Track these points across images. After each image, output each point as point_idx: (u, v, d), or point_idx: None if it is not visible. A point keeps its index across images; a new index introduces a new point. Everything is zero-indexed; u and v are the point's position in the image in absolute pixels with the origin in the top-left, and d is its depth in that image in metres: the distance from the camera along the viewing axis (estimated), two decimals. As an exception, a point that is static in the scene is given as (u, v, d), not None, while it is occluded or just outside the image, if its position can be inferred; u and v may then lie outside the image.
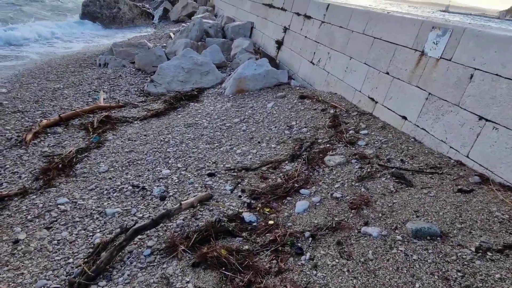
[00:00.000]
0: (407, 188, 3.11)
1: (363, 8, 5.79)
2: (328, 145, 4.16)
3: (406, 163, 3.54)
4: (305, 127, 4.75)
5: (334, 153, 3.94)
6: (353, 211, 2.92)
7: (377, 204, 2.96)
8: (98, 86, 7.08)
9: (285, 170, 3.73)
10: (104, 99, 6.32)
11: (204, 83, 7.11)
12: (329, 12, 6.31)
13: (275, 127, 4.89)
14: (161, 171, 3.82)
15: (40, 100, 6.21)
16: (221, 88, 6.83)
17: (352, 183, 3.35)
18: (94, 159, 4.14)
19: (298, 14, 7.43)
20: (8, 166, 3.97)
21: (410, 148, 3.82)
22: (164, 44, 10.63)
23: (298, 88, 6.39)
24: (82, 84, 7.22)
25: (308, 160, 3.84)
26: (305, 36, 7.01)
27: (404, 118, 4.25)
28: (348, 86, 5.51)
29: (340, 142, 4.17)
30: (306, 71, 6.86)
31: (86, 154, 4.25)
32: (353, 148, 4.00)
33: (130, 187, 3.47)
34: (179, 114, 5.63)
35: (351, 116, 4.87)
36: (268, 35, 8.91)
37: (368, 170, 3.48)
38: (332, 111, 5.07)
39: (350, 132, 4.39)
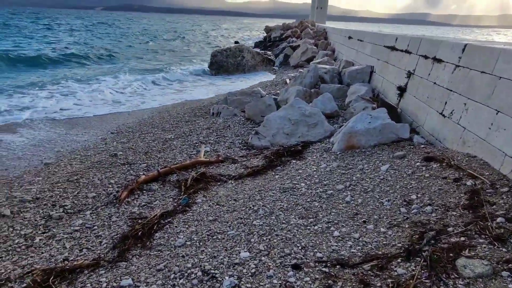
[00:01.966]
0: None
1: (516, 47, 4.44)
2: (463, 238, 2.98)
3: None
4: (429, 204, 3.62)
5: (472, 253, 2.76)
6: None
7: None
8: (205, 137, 7.08)
9: (396, 274, 2.71)
10: (206, 152, 6.20)
11: (311, 136, 6.45)
12: (467, 54, 5.08)
13: (388, 200, 3.87)
14: (239, 252, 3.21)
15: (150, 151, 6.41)
16: (329, 142, 6.07)
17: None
18: (176, 226, 3.79)
19: (425, 57, 6.29)
20: (96, 227, 3.90)
21: None
22: (277, 92, 10.46)
23: (422, 146, 5.20)
24: (191, 134, 7.33)
25: (431, 261, 2.75)
26: (434, 83, 5.83)
27: None
28: (493, 149, 4.16)
29: (483, 236, 2.95)
30: (434, 124, 5.62)
31: (170, 219, 3.95)
32: (504, 249, 2.75)
33: (200, 273, 2.93)
34: (277, 174, 5.04)
35: (499, 193, 3.54)
36: (389, 80, 7.88)
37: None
38: (469, 183, 3.81)
39: (499, 219, 3.11)
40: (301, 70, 12.57)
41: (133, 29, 56.13)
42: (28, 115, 9.53)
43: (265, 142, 6.47)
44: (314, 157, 5.53)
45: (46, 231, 3.85)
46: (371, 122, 5.67)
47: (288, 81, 12.41)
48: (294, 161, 5.47)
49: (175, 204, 4.36)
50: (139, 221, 3.93)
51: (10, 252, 3.47)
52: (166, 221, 3.92)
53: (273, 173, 5.11)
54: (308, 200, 4.13)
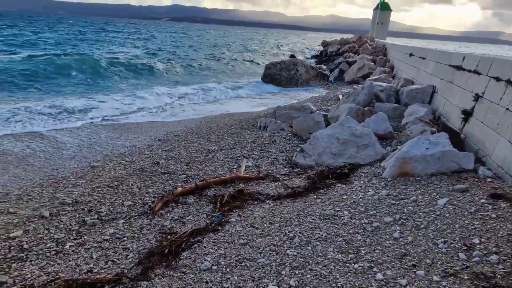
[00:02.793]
0: None
1: None
2: (539, 302, 2.44)
3: None
4: (495, 252, 3.07)
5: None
6: None
7: None
8: (249, 151, 6.88)
9: None
10: (247, 167, 5.99)
11: (360, 158, 5.99)
12: (550, 77, 4.40)
13: (445, 242, 3.35)
14: (267, 285, 2.90)
15: (191, 162, 6.33)
16: (379, 167, 5.57)
17: None
18: (205, 247, 3.57)
19: (497, 79, 5.61)
20: (125, 238, 3.81)
21: None
22: (328, 108, 10.05)
23: (489, 180, 4.55)
24: (235, 147, 7.18)
25: (496, 328, 2.26)
26: (507, 108, 5.14)
27: None
28: None
29: None
30: (504, 155, 4.93)
31: (199, 238, 3.75)
32: None
33: (221, 305, 2.67)
34: (319, 198, 4.67)
35: None
36: (453, 102, 7.18)
37: None
38: (549, 231, 3.19)
39: None
40: (356, 87, 12.04)
41: (201, 40, 58.43)
42: (90, 117, 10.04)
43: (309, 161, 6.12)
44: (362, 182, 5.08)
45: (78, 237, 3.82)
46: (429, 148, 5.11)
47: (340, 97, 11.94)
48: (338, 185, 5.06)
49: (208, 221, 4.16)
50: (169, 236, 3.77)
51: (40, 256, 3.46)
52: (196, 239, 3.72)
53: (315, 196, 4.74)
54: (351, 231, 3.73)
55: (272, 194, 4.89)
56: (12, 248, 3.59)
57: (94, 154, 7.06)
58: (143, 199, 4.81)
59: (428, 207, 4.04)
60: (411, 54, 12.60)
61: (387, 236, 3.57)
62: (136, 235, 3.88)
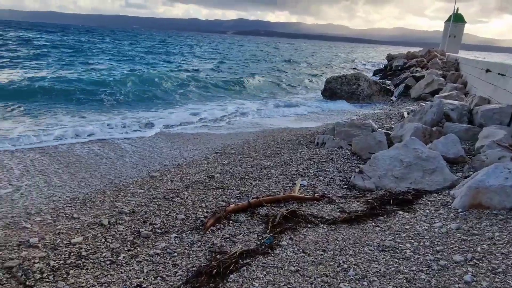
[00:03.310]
0: None
1: None
2: None
3: None
4: None
5: None
6: None
7: None
8: (305, 169, 6.68)
9: None
10: (302, 186, 5.79)
11: (426, 184, 5.51)
12: None
13: (529, 293, 2.88)
14: (316, 322, 2.69)
15: (246, 177, 6.29)
16: (448, 195, 5.07)
17: None
18: (253, 270, 3.44)
19: None
20: (176, 254, 3.81)
21: None
22: (392, 126, 9.51)
23: None
24: (291, 164, 7.02)
25: None
26: None
27: None
28: None
29: None
30: None
31: (249, 260, 3.63)
32: None
33: None
34: (378, 226, 4.33)
35: None
36: (538, 126, 6.38)
37: None
38: None
39: None
40: (423, 104, 11.30)
41: (264, 51, 59.64)
42: (159, 127, 10.54)
43: (369, 184, 5.76)
44: (427, 211, 4.64)
45: (132, 248, 3.90)
46: (508, 177, 4.54)
47: (405, 115, 11.26)
48: (401, 213, 4.67)
49: (258, 242, 4.04)
50: (218, 256, 3.70)
51: (95, 265, 3.57)
52: (245, 261, 3.61)
53: (373, 224, 4.41)
54: (413, 268, 3.37)
55: (327, 217, 4.65)
56: (71, 254, 3.75)
57: (154, 164, 7.32)
58: (196, 213, 4.83)
59: (508, 248, 3.55)
60: (488, 70, 11.57)
61: (457, 279, 3.17)
62: (186, 251, 3.87)
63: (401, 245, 3.80)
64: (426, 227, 4.17)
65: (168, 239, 4.13)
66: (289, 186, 5.84)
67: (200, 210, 4.93)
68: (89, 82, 16.39)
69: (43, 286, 3.22)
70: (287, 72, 29.27)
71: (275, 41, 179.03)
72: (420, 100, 15.50)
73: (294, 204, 5.06)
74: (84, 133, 9.34)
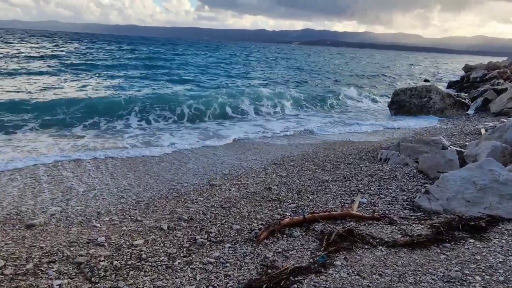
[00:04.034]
0: None
1: None
2: None
3: None
4: None
5: None
6: None
7: None
8: (365, 185, 6.42)
9: None
10: (361, 203, 5.57)
11: (503, 210, 4.98)
12: None
13: None
14: None
15: (303, 191, 6.20)
16: (529, 225, 4.53)
17: None
18: (304, 289, 3.37)
19: None
20: (228, 264, 3.85)
21: None
22: (465, 143, 8.79)
23: None
24: (351, 179, 6.79)
25: None
26: None
27: None
28: None
29: None
30: None
31: (300, 278, 3.55)
32: None
33: None
34: (443, 254, 4.00)
35: None
36: None
37: None
38: None
39: None
40: (504, 120, 10.31)
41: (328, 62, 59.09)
42: (228, 138, 10.86)
43: (436, 206, 5.35)
44: (504, 241, 4.19)
45: (187, 255, 4.03)
46: None
47: (483, 131, 10.33)
48: (471, 241, 4.26)
49: (311, 259, 3.94)
50: (269, 270, 3.68)
51: (153, 268, 3.74)
52: (296, 279, 3.54)
53: (438, 250, 4.08)
54: (482, 305, 3.05)
55: (386, 239, 4.40)
56: (133, 255, 3.98)
57: (215, 172, 7.54)
58: (251, 224, 4.86)
59: None
60: None
61: (535, 322, 2.80)
62: (238, 262, 3.90)
63: (470, 278, 3.46)
64: (501, 260, 3.76)
65: (222, 248, 4.21)
66: (348, 203, 5.65)
67: (255, 221, 4.95)
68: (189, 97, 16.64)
69: (105, 284, 3.44)
70: (351, 84, 28.55)
71: (342, 51, 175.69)
72: (501, 115, 14.15)
73: (352, 223, 4.87)
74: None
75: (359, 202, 5.57)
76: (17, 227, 4.71)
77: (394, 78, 38.45)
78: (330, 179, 6.85)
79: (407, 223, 4.92)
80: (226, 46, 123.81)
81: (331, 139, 11.42)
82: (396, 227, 4.77)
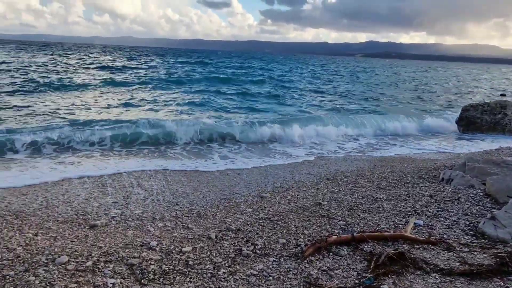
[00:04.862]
0: None
1: None
2: None
3: None
4: None
5: None
6: None
7: None
8: (422, 206, 6.06)
9: None
10: (416, 225, 5.26)
11: None
12: None
13: None
14: None
15: (354, 208, 6.01)
16: None
17: None
18: (346, 311, 3.26)
19: None
20: (271, 278, 3.85)
21: None
22: (544, 166, 7.92)
23: None
24: (407, 199, 6.45)
25: None
26: None
27: None
28: None
29: None
30: None
31: (343, 299, 3.45)
32: None
33: None
34: (508, 284, 3.64)
35: None
36: None
37: None
38: None
39: None
40: None
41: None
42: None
43: (502, 234, 4.89)
44: None
45: (232, 265, 4.10)
46: None
47: None
48: (542, 275, 3.83)
49: (357, 281, 3.80)
50: (311, 288, 3.62)
51: (198, 276, 3.86)
52: (339, 299, 3.44)
53: (502, 283, 3.72)
54: None
55: (441, 266, 4.10)
56: (180, 261, 4.15)
57: (266, 184, 7.60)
58: (297, 239, 4.82)
59: None
60: None
61: None
62: (281, 277, 3.88)
63: (536, 317, 3.11)
64: None
65: (267, 261, 4.22)
66: (401, 224, 5.37)
67: (302, 237, 4.90)
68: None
69: (154, 286, 3.63)
70: (421, 99, 27.19)
71: (409, 63, 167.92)
72: None
73: (404, 245, 4.62)
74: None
75: (414, 223, 5.27)
76: (82, 227, 5.15)
77: (463, 92, 35.91)
78: (385, 197, 6.57)
79: (468, 250, 4.55)
80: (293, 59, 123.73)
81: (389, 155, 10.96)
82: (454, 254, 4.43)
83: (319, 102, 22.79)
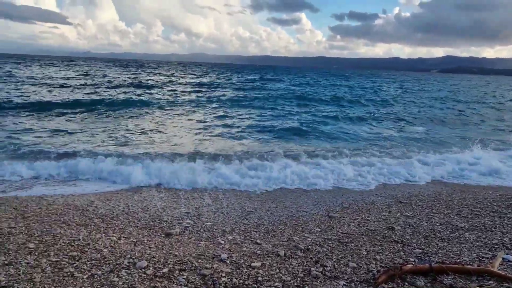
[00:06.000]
0: None
1: None
2: None
3: None
4: None
5: None
6: None
7: None
8: (512, 239, 5.48)
9: None
10: (505, 260, 4.75)
11: None
12: None
13: None
14: None
15: (431, 236, 5.63)
16: None
17: None
18: None
19: None
20: (341, 303, 3.75)
21: None
22: None
23: None
24: (493, 230, 5.88)
25: None
26: None
27: None
28: None
29: None
30: None
31: (420, 334, 3.23)
32: None
33: None
34: None
35: None
36: None
37: None
38: None
39: None
40: None
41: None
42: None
43: None
44: None
45: (300, 285, 4.06)
46: None
47: None
48: None
49: (435, 316, 3.54)
50: (385, 318, 3.44)
51: (266, 292, 3.88)
52: (416, 334, 3.22)
53: None
54: None
55: (537, 310, 3.66)
56: (250, 276, 4.21)
57: (334, 204, 7.44)
58: (369, 265, 4.63)
59: None
60: None
61: None
62: (352, 303, 3.76)
63: None
64: None
65: (336, 285, 4.11)
66: (487, 258, 4.89)
67: (374, 262, 4.70)
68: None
69: (224, 299, 3.72)
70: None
71: (502, 80, 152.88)
72: None
73: (491, 282, 4.20)
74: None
75: (503, 258, 4.77)
76: (158, 234, 5.48)
77: None
78: (467, 226, 6.05)
79: None
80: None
81: (471, 179, 10.09)
82: (553, 297, 3.92)
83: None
